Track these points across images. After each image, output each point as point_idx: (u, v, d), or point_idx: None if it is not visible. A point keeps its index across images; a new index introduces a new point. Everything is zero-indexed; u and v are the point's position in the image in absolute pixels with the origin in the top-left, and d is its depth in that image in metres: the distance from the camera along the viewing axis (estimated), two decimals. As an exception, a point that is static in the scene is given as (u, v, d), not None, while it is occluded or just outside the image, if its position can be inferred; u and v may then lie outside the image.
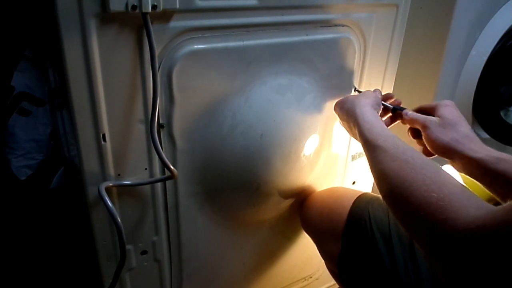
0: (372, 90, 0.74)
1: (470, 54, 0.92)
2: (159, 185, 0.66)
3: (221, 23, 0.59)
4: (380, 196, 0.51)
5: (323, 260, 0.79)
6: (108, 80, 0.54)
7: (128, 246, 0.67)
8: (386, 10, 0.75)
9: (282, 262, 0.93)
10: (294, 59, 0.68)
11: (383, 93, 0.73)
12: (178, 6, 0.53)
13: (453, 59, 0.91)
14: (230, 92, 0.65)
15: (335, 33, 0.71)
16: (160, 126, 0.61)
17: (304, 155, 0.74)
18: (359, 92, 0.77)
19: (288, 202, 0.82)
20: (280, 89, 0.69)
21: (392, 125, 0.70)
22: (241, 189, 0.72)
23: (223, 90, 0.64)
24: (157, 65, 0.55)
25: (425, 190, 0.42)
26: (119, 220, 0.59)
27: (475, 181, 0.56)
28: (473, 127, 1.02)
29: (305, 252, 0.93)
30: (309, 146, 0.74)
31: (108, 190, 0.59)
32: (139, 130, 0.60)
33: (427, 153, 0.62)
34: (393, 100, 0.72)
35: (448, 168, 0.57)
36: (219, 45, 0.60)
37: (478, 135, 0.73)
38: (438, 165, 0.48)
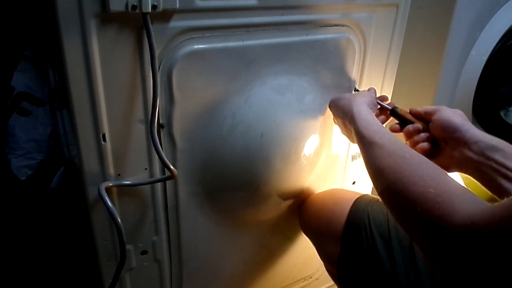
0: (367, 89, 0.74)
1: (470, 54, 0.92)
2: (159, 185, 0.66)
3: (221, 23, 0.59)
4: (379, 198, 0.51)
5: (322, 261, 0.80)
6: (108, 80, 0.54)
7: (128, 246, 0.67)
8: (386, 10, 0.75)
9: (282, 262, 0.93)
10: (294, 59, 0.68)
11: (382, 94, 0.73)
12: (178, 6, 0.53)
13: (453, 59, 0.91)
14: (230, 92, 0.65)
15: (335, 33, 0.71)
16: (160, 126, 0.61)
17: (304, 155, 0.74)
18: (359, 92, 0.78)
19: (288, 202, 0.82)
20: (280, 89, 0.69)
21: (387, 122, 0.71)
22: (241, 189, 0.72)
23: (223, 90, 0.64)
24: (157, 65, 0.55)
25: (422, 185, 0.42)
26: (119, 220, 0.59)
27: (474, 180, 0.57)
28: (473, 127, 1.02)
29: (305, 252, 0.93)
30: (309, 146, 0.74)
31: (108, 190, 0.59)
32: (139, 130, 0.60)
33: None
34: (387, 102, 0.73)
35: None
36: (219, 45, 0.60)
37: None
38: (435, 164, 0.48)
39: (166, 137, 0.63)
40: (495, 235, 0.34)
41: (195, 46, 0.58)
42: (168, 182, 0.66)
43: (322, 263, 0.80)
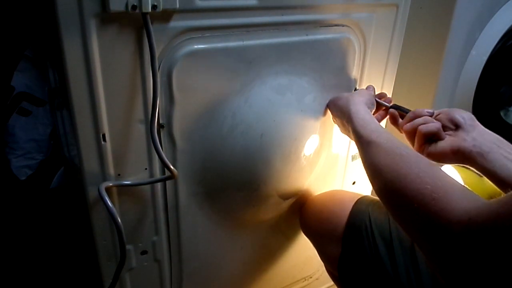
0: (365, 87, 0.75)
1: (470, 54, 0.92)
2: (159, 185, 0.66)
3: (221, 23, 0.59)
4: None
5: (323, 261, 0.79)
6: (108, 80, 0.54)
7: (128, 246, 0.67)
8: (386, 10, 0.75)
9: (282, 262, 0.93)
10: (294, 59, 0.68)
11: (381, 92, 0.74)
12: (178, 6, 0.53)
13: (453, 59, 0.91)
14: (230, 92, 0.65)
15: (335, 33, 0.71)
16: (160, 126, 0.61)
17: (304, 155, 0.74)
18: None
19: (288, 202, 0.82)
20: (280, 89, 0.69)
21: (384, 119, 0.72)
22: (241, 189, 0.72)
23: (223, 90, 0.64)
24: (157, 65, 0.55)
25: (419, 182, 0.43)
26: (119, 220, 0.59)
27: (474, 180, 0.57)
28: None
29: (305, 252, 0.93)
30: (309, 146, 0.74)
31: (108, 190, 0.59)
32: (139, 130, 0.60)
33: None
34: (385, 98, 0.73)
35: (446, 168, 0.57)
36: (219, 45, 0.60)
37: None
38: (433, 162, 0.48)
39: (166, 137, 0.63)
40: (492, 232, 0.34)
41: (195, 46, 0.58)
42: (168, 182, 0.66)
43: (322, 263, 0.80)
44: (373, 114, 0.71)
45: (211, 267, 0.81)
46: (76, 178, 0.89)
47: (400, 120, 0.67)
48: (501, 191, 0.54)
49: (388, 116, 0.70)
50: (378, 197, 0.50)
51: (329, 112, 0.74)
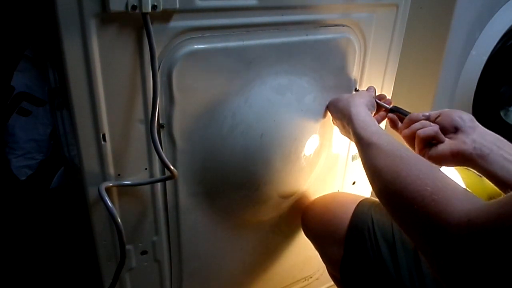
0: (366, 89, 0.75)
1: (470, 54, 0.92)
2: (159, 185, 0.66)
3: (221, 23, 0.59)
4: None
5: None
6: (108, 80, 0.54)
7: (128, 246, 0.67)
8: (386, 10, 0.75)
9: (282, 262, 0.93)
10: (294, 59, 0.68)
11: (381, 93, 0.74)
12: (178, 6, 0.53)
13: (453, 59, 0.91)
14: (230, 92, 0.65)
15: (335, 33, 0.71)
16: (160, 126, 0.61)
17: (304, 155, 0.74)
18: (359, 92, 0.78)
19: (288, 202, 0.82)
20: (280, 89, 0.69)
21: (384, 121, 0.72)
22: (241, 189, 0.72)
23: (223, 90, 0.64)
24: (157, 65, 0.55)
25: (419, 184, 0.43)
26: (119, 220, 0.59)
27: (474, 180, 0.57)
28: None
29: (305, 252, 0.93)
30: (309, 146, 0.74)
31: (108, 190, 0.59)
32: (139, 130, 0.60)
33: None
34: (384, 100, 0.73)
35: (446, 169, 0.57)
36: (219, 45, 0.60)
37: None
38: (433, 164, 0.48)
39: (166, 137, 0.63)
40: (492, 233, 0.33)
41: (195, 46, 0.58)
42: (168, 182, 0.66)
43: (322, 263, 0.80)
44: (373, 115, 0.70)
45: (211, 267, 0.81)
46: (76, 178, 0.89)
47: (400, 123, 0.68)
48: (501, 191, 0.54)
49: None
50: (378, 198, 0.50)
51: (329, 112, 0.74)
